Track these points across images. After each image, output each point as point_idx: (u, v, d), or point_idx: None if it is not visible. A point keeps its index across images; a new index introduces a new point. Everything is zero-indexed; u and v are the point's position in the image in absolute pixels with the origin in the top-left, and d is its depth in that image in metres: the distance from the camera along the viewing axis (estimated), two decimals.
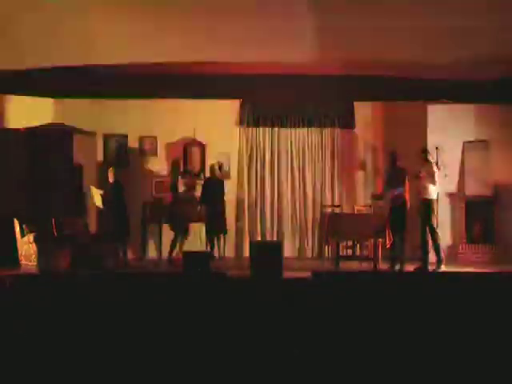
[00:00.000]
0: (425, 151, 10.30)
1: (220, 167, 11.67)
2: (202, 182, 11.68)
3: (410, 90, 11.58)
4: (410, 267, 10.00)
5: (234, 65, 10.57)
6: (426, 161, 10.18)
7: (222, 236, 11.52)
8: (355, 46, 9.69)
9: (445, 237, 10.93)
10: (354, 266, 10.62)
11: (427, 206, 10.02)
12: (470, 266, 10.68)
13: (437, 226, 10.28)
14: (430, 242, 10.07)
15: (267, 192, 12.35)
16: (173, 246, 11.17)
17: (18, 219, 10.19)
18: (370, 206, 11.73)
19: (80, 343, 4.70)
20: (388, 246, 10.24)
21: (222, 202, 11.42)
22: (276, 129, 12.41)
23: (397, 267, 10.04)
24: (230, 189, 12.04)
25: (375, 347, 4.66)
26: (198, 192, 11.52)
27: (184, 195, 11.47)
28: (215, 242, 11.45)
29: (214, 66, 10.60)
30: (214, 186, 11.35)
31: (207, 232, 11.43)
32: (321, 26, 8.77)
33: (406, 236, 10.24)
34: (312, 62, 10.36)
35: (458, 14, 8.21)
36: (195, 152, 12.14)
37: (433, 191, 10.08)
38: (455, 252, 11.40)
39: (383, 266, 10.25)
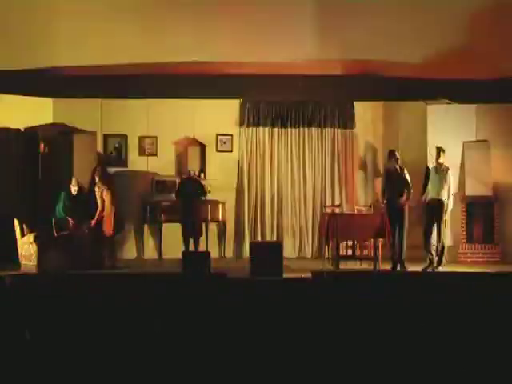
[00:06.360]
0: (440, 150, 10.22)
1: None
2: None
3: (410, 90, 11.56)
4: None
5: (234, 65, 10.57)
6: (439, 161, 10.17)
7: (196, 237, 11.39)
8: (355, 46, 9.70)
9: (445, 237, 10.91)
10: (354, 266, 10.63)
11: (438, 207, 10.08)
12: (470, 266, 10.69)
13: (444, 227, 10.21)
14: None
15: (267, 192, 12.34)
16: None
17: (17, 219, 10.18)
18: (370, 206, 11.73)
19: (79, 343, 4.70)
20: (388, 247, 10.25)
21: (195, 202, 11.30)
22: (276, 129, 12.40)
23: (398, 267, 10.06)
24: (229, 189, 12.10)
25: (375, 348, 4.67)
26: None
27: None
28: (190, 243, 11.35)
29: (214, 66, 10.59)
30: (191, 185, 11.32)
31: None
32: (321, 25, 8.77)
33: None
34: (312, 62, 10.37)
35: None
36: (195, 152, 12.13)
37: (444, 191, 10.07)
38: (455, 252, 11.39)
39: (383, 266, 10.26)
